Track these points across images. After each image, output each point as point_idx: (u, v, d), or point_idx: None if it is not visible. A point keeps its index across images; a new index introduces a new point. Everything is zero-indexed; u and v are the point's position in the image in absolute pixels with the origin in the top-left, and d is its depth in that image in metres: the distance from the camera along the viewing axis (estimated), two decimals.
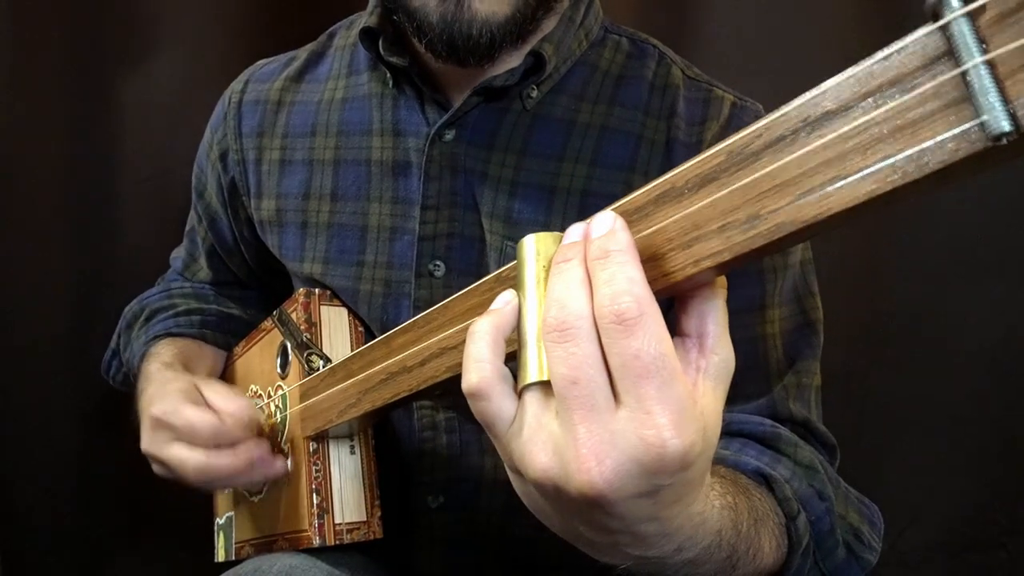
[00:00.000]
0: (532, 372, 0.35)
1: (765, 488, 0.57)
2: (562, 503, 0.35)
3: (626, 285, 0.32)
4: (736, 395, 0.36)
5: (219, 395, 0.68)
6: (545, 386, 0.34)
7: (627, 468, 0.31)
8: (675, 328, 0.37)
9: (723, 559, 0.43)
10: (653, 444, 0.31)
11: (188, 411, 0.65)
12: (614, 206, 0.37)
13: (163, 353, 0.81)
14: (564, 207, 0.69)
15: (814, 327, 0.71)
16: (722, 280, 0.37)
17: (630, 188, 0.37)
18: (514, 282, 0.39)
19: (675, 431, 0.31)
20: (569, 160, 0.70)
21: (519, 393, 0.36)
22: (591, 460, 0.32)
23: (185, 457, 0.65)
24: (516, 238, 0.68)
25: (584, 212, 0.68)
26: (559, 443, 0.33)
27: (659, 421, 0.31)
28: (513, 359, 0.38)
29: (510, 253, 0.69)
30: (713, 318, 0.36)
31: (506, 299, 0.38)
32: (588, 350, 0.32)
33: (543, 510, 0.38)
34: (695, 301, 0.37)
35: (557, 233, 0.37)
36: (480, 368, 0.36)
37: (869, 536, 0.63)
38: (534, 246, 0.37)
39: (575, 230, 0.36)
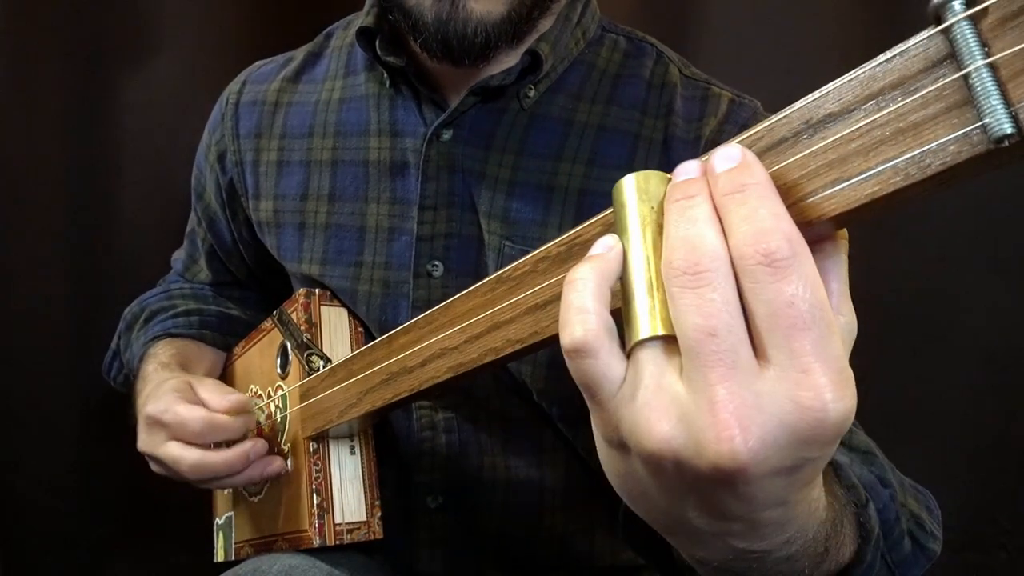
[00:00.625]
0: (646, 326, 0.30)
1: (832, 475, 0.52)
2: (681, 481, 0.30)
3: (773, 222, 0.28)
4: None
5: (211, 392, 0.68)
6: (664, 342, 0.30)
7: (776, 437, 0.27)
8: None
9: (819, 554, 0.38)
10: (811, 408, 0.26)
11: (180, 408, 0.66)
12: (606, 212, 0.36)
13: (161, 354, 0.81)
14: (562, 206, 0.69)
15: None
16: (844, 234, 0.32)
17: None
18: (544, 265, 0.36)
19: (837, 393, 0.26)
20: (567, 159, 0.70)
21: (629, 352, 0.31)
22: (734, 427, 0.27)
23: (180, 454, 0.65)
24: (514, 238, 0.68)
25: (582, 211, 0.68)
26: (688, 408, 0.28)
27: (819, 380, 0.26)
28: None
29: (508, 253, 0.69)
30: (836, 275, 0.32)
31: (608, 244, 0.33)
32: (728, 296, 0.28)
33: (646, 492, 0.32)
34: (816, 258, 0.31)
35: (659, 172, 0.33)
36: (585, 319, 0.31)
37: (931, 524, 0.57)
38: (636, 185, 0.32)
39: (689, 166, 0.32)
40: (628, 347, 0.31)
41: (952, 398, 1.06)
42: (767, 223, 0.28)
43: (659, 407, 0.29)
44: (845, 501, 0.46)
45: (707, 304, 0.28)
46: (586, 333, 0.30)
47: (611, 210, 0.36)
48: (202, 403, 0.67)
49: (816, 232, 0.31)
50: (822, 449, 0.28)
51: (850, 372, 0.27)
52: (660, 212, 0.32)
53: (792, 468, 0.28)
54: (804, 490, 0.31)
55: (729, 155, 0.30)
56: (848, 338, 0.32)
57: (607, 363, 0.31)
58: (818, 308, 0.27)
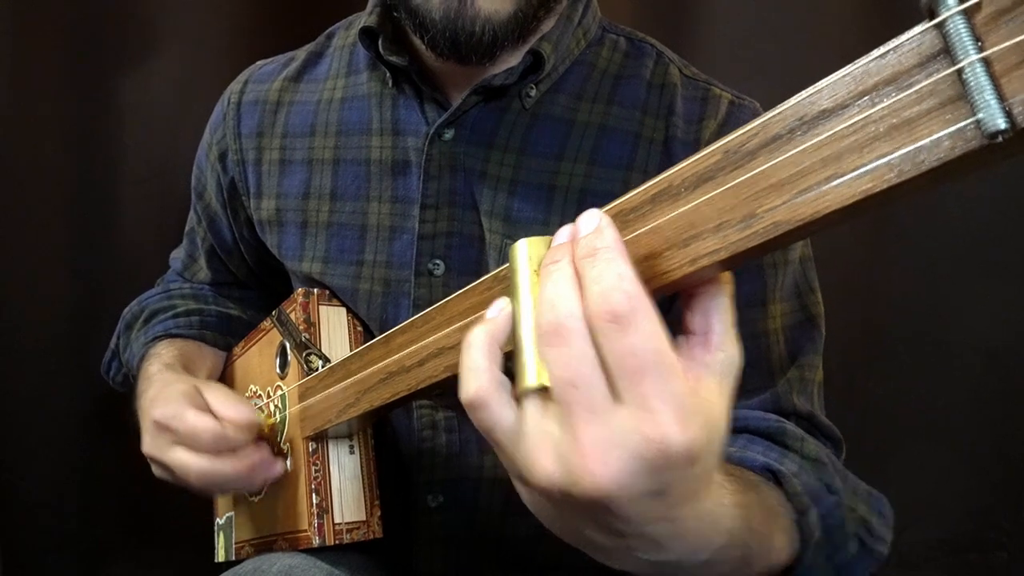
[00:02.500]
0: (529, 377, 0.34)
1: (773, 483, 0.56)
2: (571, 508, 0.34)
3: (615, 281, 0.32)
4: (739, 390, 0.35)
5: (221, 400, 0.68)
6: (544, 391, 0.34)
7: (632, 466, 0.31)
8: (679, 325, 0.37)
9: (738, 558, 0.42)
10: (655, 440, 0.30)
11: (190, 416, 0.65)
12: (611, 205, 0.37)
13: (163, 354, 0.81)
14: (563, 206, 0.69)
15: (815, 322, 0.71)
16: (727, 276, 0.36)
17: (629, 187, 0.36)
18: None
19: (678, 426, 0.30)
20: (568, 159, 0.70)
21: (518, 400, 0.35)
22: (596, 462, 0.31)
23: (188, 462, 0.65)
24: (515, 237, 0.68)
25: (583, 210, 0.68)
26: (562, 447, 0.32)
27: (661, 418, 0.30)
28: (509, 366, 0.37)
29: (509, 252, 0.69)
30: (718, 315, 0.36)
31: (500, 306, 0.38)
32: (583, 350, 0.32)
33: (552, 517, 0.37)
34: (700, 298, 0.36)
35: (547, 237, 0.37)
36: (477, 377, 0.36)
37: (879, 527, 0.61)
38: (526, 251, 0.37)
39: (563, 232, 0.36)
40: (516, 395, 0.35)
41: (952, 400, 1.06)
42: (610, 283, 0.32)
43: (541, 448, 0.33)
44: (779, 507, 0.52)
45: (566, 358, 0.32)
46: (478, 389, 0.36)
47: (606, 209, 0.36)
48: (210, 409, 0.67)
49: (697, 278, 0.34)
50: (678, 472, 0.31)
51: (699, 404, 0.32)
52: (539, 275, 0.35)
53: (658, 491, 0.32)
54: (684, 506, 0.34)
55: (589, 220, 0.34)
56: (729, 370, 0.36)
57: (499, 413, 0.35)
58: (656, 354, 0.31)
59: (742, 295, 0.66)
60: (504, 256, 0.69)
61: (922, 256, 1.05)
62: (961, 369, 1.06)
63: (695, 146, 0.69)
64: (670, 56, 0.76)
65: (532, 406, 0.34)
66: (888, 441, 1.03)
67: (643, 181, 0.35)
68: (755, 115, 0.71)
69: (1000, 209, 1.02)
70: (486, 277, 0.43)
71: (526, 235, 0.69)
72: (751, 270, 0.68)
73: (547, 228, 0.68)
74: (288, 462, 0.69)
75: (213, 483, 0.66)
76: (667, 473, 0.31)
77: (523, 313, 0.35)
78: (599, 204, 0.37)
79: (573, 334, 0.32)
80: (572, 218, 0.38)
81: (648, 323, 0.31)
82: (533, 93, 0.71)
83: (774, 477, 0.57)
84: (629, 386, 0.31)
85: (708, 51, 1.05)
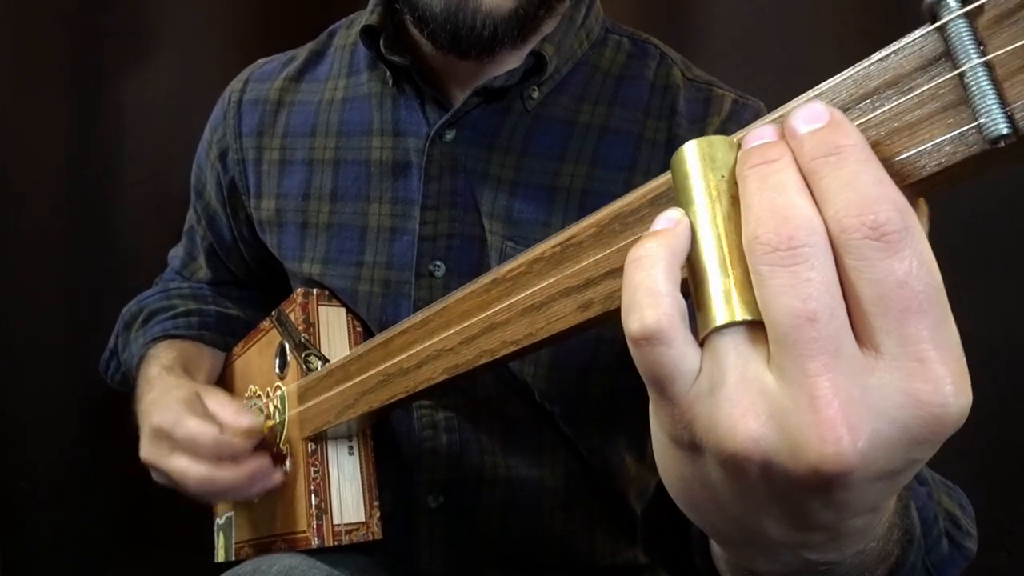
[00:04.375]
0: (723, 310, 0.26)
1: None
2: (767, 487, 0.26)
3: (878, 188, 0.24)
4: None
5: (222, 406, 0.68)
6: (747, 328, 0.26)
7: (889, 436, 0.23)
8: None
9: (878, 561, 0.35)
10: (929, 403, 0.23)
11: (190, 423, 0.65)
12: (610, 206, 0.36)
13: (163, 356, 0.81)
14: (565, 207, 0.69)
15: None
16: (924, 208, 0.29)
17: (630, 188, 0.34)
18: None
19: (958, 385, 0.23)
20: (570, 160, 0.70)
21: (704, 340, 0.27)
22: (840, 425, 0.23)
23: (187, 469, 0.65)
24: (517, 239, 0.68)
25: (585, 212, 0.68)
26: (781, 404, 0.24)
27: (938, 371, 0.23)
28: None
29: (510, 253, 0.68)
30: None
31: (674, 217, 0.29)
32: (828, 275, 0.24)
33: (716, 498, 0.29)
34: None
35: (723, 137, 0.29)
36: (657, 302, 0.26)
37: (966, 522, 0.53)
38: (700, 152, 0.29)
39: (764, 130, 0.28)
40: (702, 335, 0.27)
41: None
42: (872, 190, 0.24)
43: (745, 402, 0.25)
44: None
45: (804, 284, 0.24)
46: (659, 318, 0.26)
47: (604, 211, 0.35)
48: (211, 416, 0.67)
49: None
50: (933, 449, 0.25)
51: (965, 362, 0.24)
52: (732, 182, 0.28)
53: (898, 471, 0.25)
54: (896, 493, 0.28)
55: (814, 114, 0.26)
56: None
57: (682, 352, 0.27)
58: (934, 289, 0.24)
59: None
60: (505, 257, 0.69)
61: None
62: None
63: None
64: (673, 57, 0.75)
65: (732, 347, 0.26)
66: None
67: (645, 182, 0.35)
68: (758, 114, 0.71)
69: (1000, 208, 1.02)
70: (484, 280, 0.43)
71: (527, 237, 0.69)
72: None
73: (548, 230, 0.68)
74: (287, 463, 0.69)
75: (212, 491, 0.66)
76: (923, 448, 0.24)
77: (705, 231, 0.28)
78: (601, 205, 0.36)
79: (815, 252, 0.24)
80: (574, 220, 0.36)
81: (924, 246, 0.24)
82: (535, 95, 0.71)
83: None
84: (894, 327, 0.23)
85: (709, 51, 1.05)
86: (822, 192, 0.25)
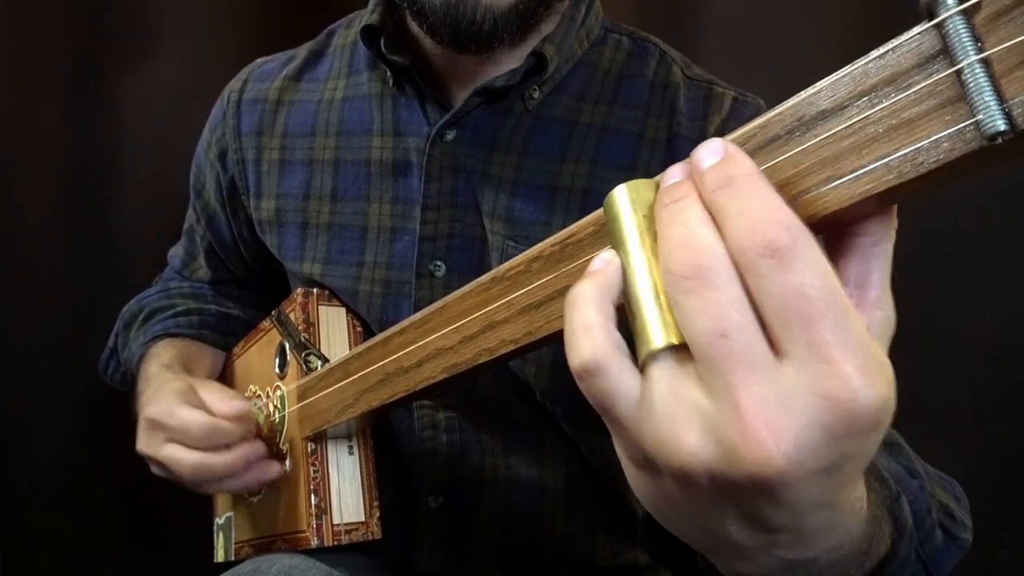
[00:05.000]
0: (657, 336, 0.28)
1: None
2: (717, 494, 0.27)
3: (767, 211, 0.26)
4: None
5: (214, 396, 0.68)
6: (677, 351, 0.28)
7: (809, 435, 0.25)
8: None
9: (862, 553, 0.36)
10: (840, 399, 0.24)
11: (183, 411, 0.65)
12: None
13: (162, 354, 0.81)
14: (566, 207, 0.69)
15: None
16: (894, 221, 0.31)
17: None
18: (521, 275, 0.37)
19: (865, 379, 0.25)
20: (570, 160, 0.70)
21: (642, 365, 0.29)
22: (763, 430, 0.25)
23: (180, 457, 0.65)
24: (517, 238, 0.68)
25: (585, 211, 0.68)
26: (711, 416, 0.26)
27: (844, 369, 0.24)
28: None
29: (511, 253, 0.68)
30: (879, 266, 0.31)
31: (605, 258, 0.31)
32: (734, 294, 0.26)
33: (680, 510, 0.30)
34: (860, 243, 0.30)
35: (648, 180, 0.32)
36: (591, 337, 0.29)
37: (960, 514, 0.54)
38: (627, 195, 0.31)
39: (673, 171, 0.30)
40: (640, 360, 0.29)
41: (952, 399, 1.06)
42: (761, 213, 0.26)
43: (681, 418, 0.27)
44: (882, 495, 0.44)
45: (713, 306, 0.26)
46: (594, 350, 0.29)
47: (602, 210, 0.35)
48: (204, 406, 0.67)
49: (862, 211, 0.29)
50: (860, 442, 0.26)
51: (883, 357, 0.26)
52: (653, 219, 0.30)
53: (832, 467, 0.26)
54: (847, 488, 0.29)
55: (712, 150, 0.29)
56: (886, 333, 0.31)
57: (619, 379, 0.29)
58: (830, 293, 0.25)
59: None
60: (506, 257, 0.69)
61: (920, 253, 1.04)
62: (960, 368, 1.05)
63: (700, 141, 0.69)
64: (673, 56, 0.75)
65: (664, 370, 0.28)
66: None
67: None
68: (758, 111, 0.72)
69: (1000, 208, 1.02)
70: (483, 278, 0.43)
71: (528, 236, 0.69)
72: None
73: (549, 229, 0.68)
74: (287, 462, 0.69)
75: (206, 478, 0.66)
76: (848, 442, 0.25)
77: (636, 265, 0.30)
78: (601, 205, 0.36)
79: (719, 276, 0.26)
80: (575, 219, 0.37)
81: (815, 256, 0.26)
82: (536, 95, 0.71)
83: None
84: (798, 333, 0.25)
85: (709, 51, 1.05)
86: (721, 220, 0.27)
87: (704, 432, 0.26)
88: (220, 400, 0.67)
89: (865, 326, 0.27)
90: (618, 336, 0.29)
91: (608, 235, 0.32)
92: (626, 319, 0.30)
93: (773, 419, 0.25)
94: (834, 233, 0.31)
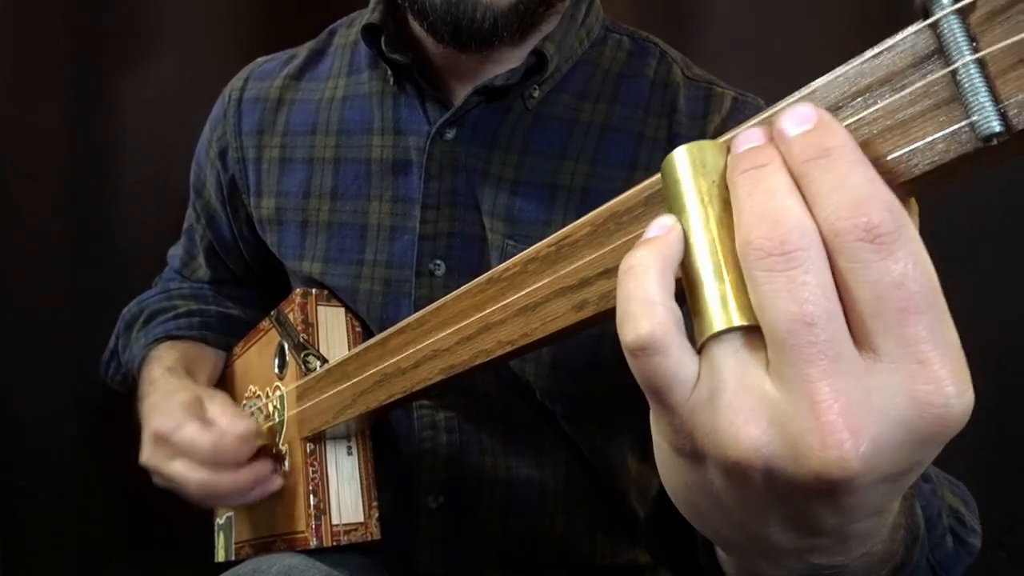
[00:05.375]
0: (720, 316, 0.26)
1: None
2: (770, 493, 0.26)
3: (870, 189, 0.24)
4: None
5: (222, 413, 0.68)
6: (744, 334, 0.26)
7: (891, 439, 0.23)
8: None
9: (881, 561, 0.35)
10: (931, 404, 0.23)
11: (189, 428, 0.65)
12: (606, 205, 0.36)
13: (165, 357, 0.81)
14: (565, 205, 0.69)
15: None
16: (913, 206, 0.28)
17: (631, 186, 0.34)
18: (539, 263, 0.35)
19: (960, 386, 0.23)
20: (570, 159, 0.70)
21: (701, 347, 0.27)
22: (842, 429, 0.23)
23: (187, 475, 0.66)
24: (517, 237, 0.68)
25: (585, 210, 0.69)
26: (782, 409, 0.24)
27: (938, 372, 0.23)
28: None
29: (511, 252, 0.68)
30: None
31: (666, 224, 0.28)
32: (824, 278, 0.24)
33: (720, 505, 0.28)
34: None
35: (714, 141, 0.29)
36: (651, 311, 0.26)
37: (970, 519, 0.52)
38: (690, 156, 0.28)
39: (752, 133, 0.28)
40: (700, 342, 0.27)
41: None
42: (863, 191, 0.24)
43: (745, 409, 0.25)
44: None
45: (800, 288, 0.24)
46: (654, 328, 0.26)
47: (599, 210, 0.35)
48: (212, 422, 0.67)
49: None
50: (937, 449, 0.24)
51: (965, 361, 0.24)
52: (723, 186, 0.28)
53: (902, 473, 0.25)
54: (900, 495, 0.28)
55: (802, 115, 0.26)
56: None
57: (678, 361, 0.26)
58: (930, 289, 0.23)
59: None
60: (506, 256, 0.68)
61: None
62: None
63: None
64: (673, 56, 0.75)
65: (729, 354, 0.26)
66: None
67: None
68: (758, 111, 0.71)
69: (998, 206, 1.02)
70: (480, 279, 0.43)
71: (528, 235, 0.69)
72: None
73: (549, 228, 0.68)
74: (286, 463, 0.69)
75: (212, 496, 0.67)
76: (927, 449, 0.24)
77: (702, 234, 0.27)
78: (602, 204, 0.36)
79: (809, 255, 0.24)
80: (575, 218, 0.36)
81: (918, 246, 0.24)
82: (536, 94, 0.71)
83: None
84: (893, 328, 0.23)
85: (709, 51, 1.05)
86: (813, 195, 0.25)
87: (771, 425, 0.24)
88: (228, 419, 0.67)
89: None
90: (678, 312, 0.27)
91: (666, 200, 0.29)
92: (682, 293, 0.28)
93: (854, 417, 0.23)
94: None
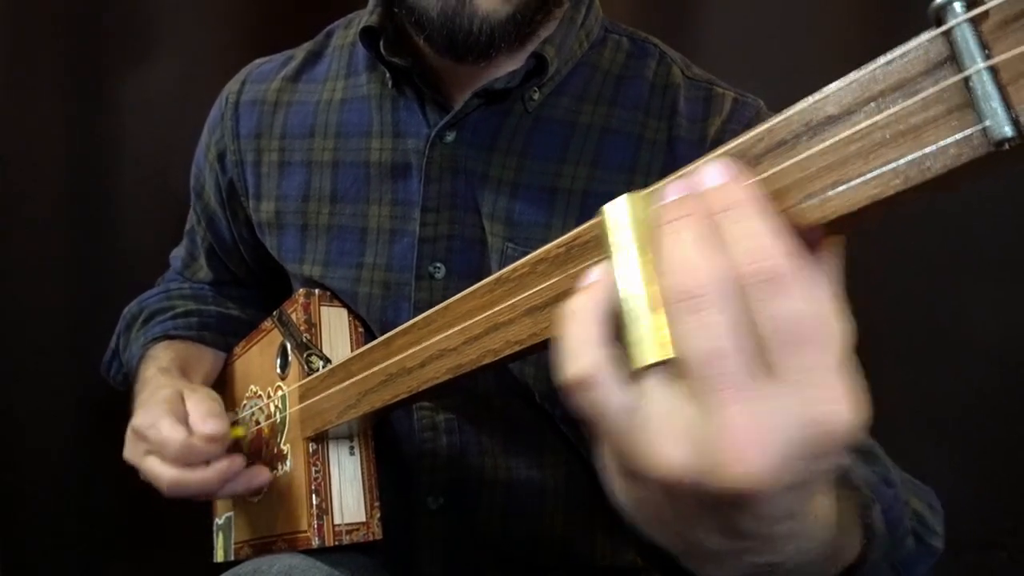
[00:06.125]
0: (649, 350, 0.29)
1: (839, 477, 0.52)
2: (696, 504, 0.29)
3: (770, 238, 0.28)
4: None
5: (197, 411, 0.67)
6: (670, 365, 0.29)
7: (791, 452, 0.26)
8: None
9: (828, 557, 0.38)
10: (825, 422, 0.26)
11: (163, 426, 0.65)
12: None
13: (161, 357, 0.81)
14: (565, 208, 0.69)
15: None
16: (841, 239, 0.32)
17: (631, 189, 0.34)
18: (527, 276, 0.37)
19: (849, 404, 0.26)
20: (570, 162, 0.70)
21: (634, 378, 0.30)
22: (751, 447, 0.26)
23: (159, 471, 0.66)
24: (517, 240, 0.68)
25: (585, 213, 0.69)
26: (699, 431, 0.28)
27: (831, 394, 0.26)
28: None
29: (511, 255, 0.68)
30: (832, 282, 0.32)
31: (600, 272, 0.33)
32: (732, 316, 0.27)
33: (661, 517, 0.32)
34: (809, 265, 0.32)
35: (645, 192, 0.33)
36: (586, 351, 0.31)
37: (933, 521, 0.58)
38: (622, 209, 0.32)
39: (675, 187, 0.31)
40: (632, 373, 0.30)
41: (952, 399, 1.06)
42: (764, 239, 0.28)
43: (672, 433, 0.28)
44: (851, 503, 0.46)
45: (711, 327, 0.27)
46: (588, 365, 0.30)
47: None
48: (187, 420, 0.67)
49: (810, 238, 0.30)
50: (835, 460, 0.28)
51: (857, 381, 0.27)
52: (650, 235, 0.31)
53: (806, 482, 0.28)
54: (815, 499, 0.31)
55: (716, 171, 0.30)
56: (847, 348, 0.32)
57: (611, 391, 0.30)
58: (824, 321, 0.27)
59: None
60: (506, 259, 0.69)
61: (922, 255, 1.05)
62: (960, 369, 1.06)
63: (700, 144, 0.69)
64: (672, 56, 0.75)
65: (657, 383, 0.29)
66: (887, 441, 1.02)
67: (646, 183, 0.35)
68: (759, 112, 0.71)
69: (1000, 209, 1.02)
70: (488, 280, 0.43)
71: (528, 238, 0.69)
72: None
73: (549, 231, 0.68)
74: (288, 463, 0.69)
75: (184, 493, 0.67)
76: (823, 460, 0.27)
77: (630, 279, 0.31)
78: (601, 207, 0.36)
79: (718, 297, 0.28)
80: (575, 221, 0.37)
81: (813, 284, 0.27)
82: (536, 96, 0.71)
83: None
84: (791, 358, 0.27)
85: (709, 51, 1.05)
86: (725, 243, 0.28)
87: (693, 447, 0.28)
88: (199, 417, 0.67)
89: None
90: (611, 349, 0.31)
91: (604, 247, 0.33)
92: (619, 331, 0.31)
93: (760, 437, 0.26)
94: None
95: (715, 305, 0.28)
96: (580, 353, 0.31)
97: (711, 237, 0.29)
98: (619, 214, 0.32)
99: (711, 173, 0.30)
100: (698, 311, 0.28)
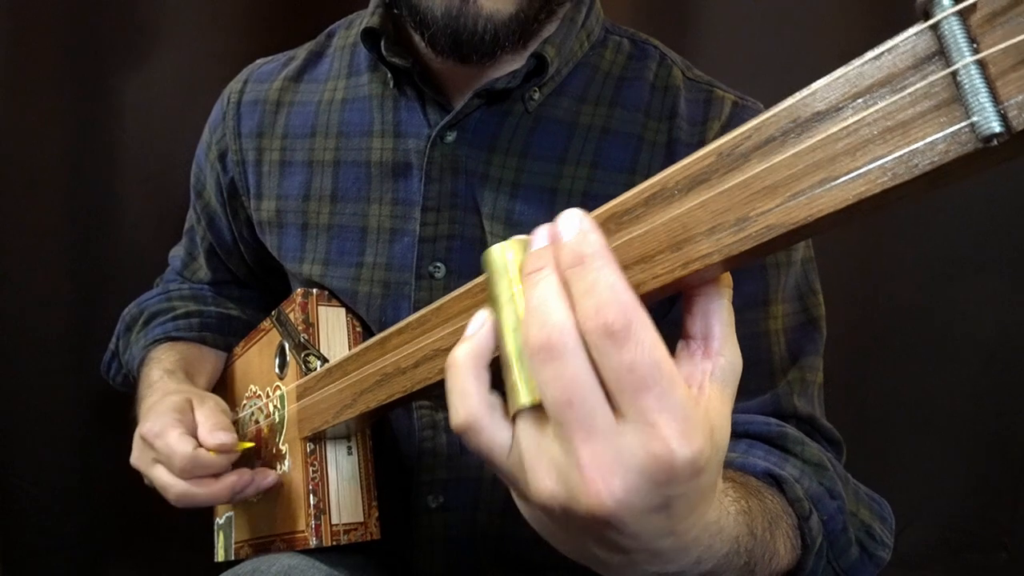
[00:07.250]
0: (522, 396, 0.33)
1: (775, 489, 0.56)
2: (573, 526, 0.33)
3: (608, 294, 0.30)
4: (740, 391, 0.34)
5: (206, 422, 0.67)
6: (538, 409, 0.33)
7: (636, 483, 0.30)
8: (680, 330, 0.36)
9: (741, 566, 0.41)
10: (661, 456, 0.29)
11: (171, 436, 0.65)
12: (606, 206, 0.36)
13: (164, 359, 0.81)
14: (565, 208, 0.69)
15: (817, 324, 0.71)
16: (727, 279, 0.35)
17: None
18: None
19: (682, 440, 0.29)
20: (570, 162, 0.70)
21: (512, 419, 0.34)
22: (598, 481, 0.30)
23: (167, 482, 0.66)
24: None
25: None
26: (562, 467, 0.31)
27: (664, 432, 0.29)
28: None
29: None
30: (718, 318, 0.35)
31: (480, 321, 0.36)
32: (577, 367, 0.31)
33: (554, 534, 0.36)
34: (699, 301, 0.35)
35: (525, 238, 0.35)
36: (465, 402, 0.34)
37: (881, 532, 0.61)
38: (503, 256, 0.35)
39: (542, 233, 0.34)
40: (511, 415, 0.34)
41: (952, 398, 1.06)
42: (604, 296, 0.30)
43: (541, 468, 0.32)
44: (782, 513, 0.52)
45: (560, 378, 0.31)
46: (468, 415, 0.34)
47: (599, 211, 0.36)
48: (196, 429, 0.67)
49: (695, 280, 0.33)
50: (683, 486, 0.31)
51: (701, 415, 0.31)
52: (520, 282, 0.34)
53: (662, 505, 0.31)
54: (688, 518, 0.34)
55: (570, 223, 0.33)
56: (730, 377, 0.35)
57: (493, 435, 0.34)
58: (655, 367, 0.29)
59: (744, 295, 0.66)
60: None
61: (920, 256, 1.04)
62: (960, 368, 1.05)
63: (699, 148, 0.68)
64: (673, 58, 0.75)
65: (527, 426, 0.33)
66: (887, 441, 1.02)
67: None
68: (757, 115, 0.71)
69: (998, 208, 1.02)
70: (480, 278, 0.43)
71: None
72: (753, 271, 0.67)
73: None
74: (286, 462, 0.69)
75: (191, 504, 0.67)
76: (672, 487, 0.30)
77: (508, 325, 0.34)
78: (601, 206, 0.36)
79: (565, 350, 0.31)
80: None
81: (645, 335, 0.30)
82: (536, 96, 0.71)
83: (776, 482, 0.57)
84: (629, 401, 0.30)
85: (709, 51, 1.05)
86: (573, 297, 0.32)
87: (558, 479, 0.31)
88: (208, 430, 0.67)
89: (709, 370, 0.34)
90: (490, 397, 0.35)
91: (486, 292, 0.36)
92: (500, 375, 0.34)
93: (606, 472, 0.30)
94: (682, 295, 0.36)
95: (564, 357, 0.31)
96: (461, 404, 0.35)
97: (562, 291, 0.32)
98: (496, 261, 0.35)
99: (565, 224, 0.33)
100: (553, 361, 0.31)
